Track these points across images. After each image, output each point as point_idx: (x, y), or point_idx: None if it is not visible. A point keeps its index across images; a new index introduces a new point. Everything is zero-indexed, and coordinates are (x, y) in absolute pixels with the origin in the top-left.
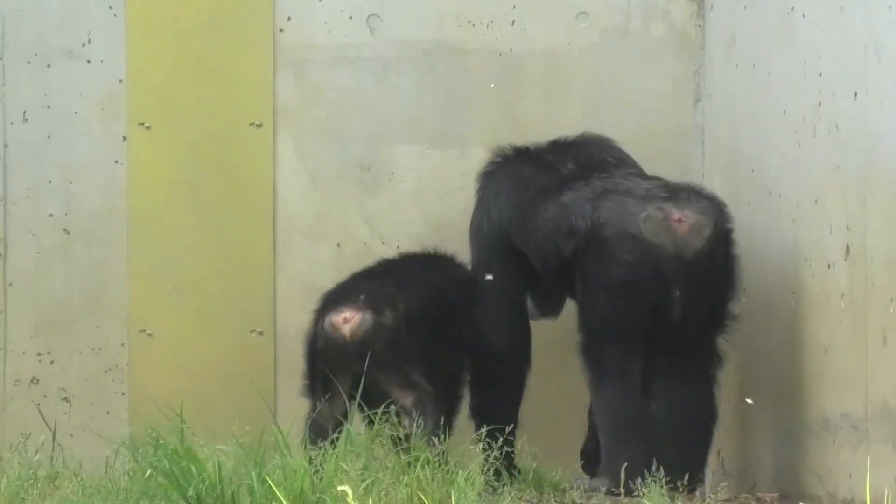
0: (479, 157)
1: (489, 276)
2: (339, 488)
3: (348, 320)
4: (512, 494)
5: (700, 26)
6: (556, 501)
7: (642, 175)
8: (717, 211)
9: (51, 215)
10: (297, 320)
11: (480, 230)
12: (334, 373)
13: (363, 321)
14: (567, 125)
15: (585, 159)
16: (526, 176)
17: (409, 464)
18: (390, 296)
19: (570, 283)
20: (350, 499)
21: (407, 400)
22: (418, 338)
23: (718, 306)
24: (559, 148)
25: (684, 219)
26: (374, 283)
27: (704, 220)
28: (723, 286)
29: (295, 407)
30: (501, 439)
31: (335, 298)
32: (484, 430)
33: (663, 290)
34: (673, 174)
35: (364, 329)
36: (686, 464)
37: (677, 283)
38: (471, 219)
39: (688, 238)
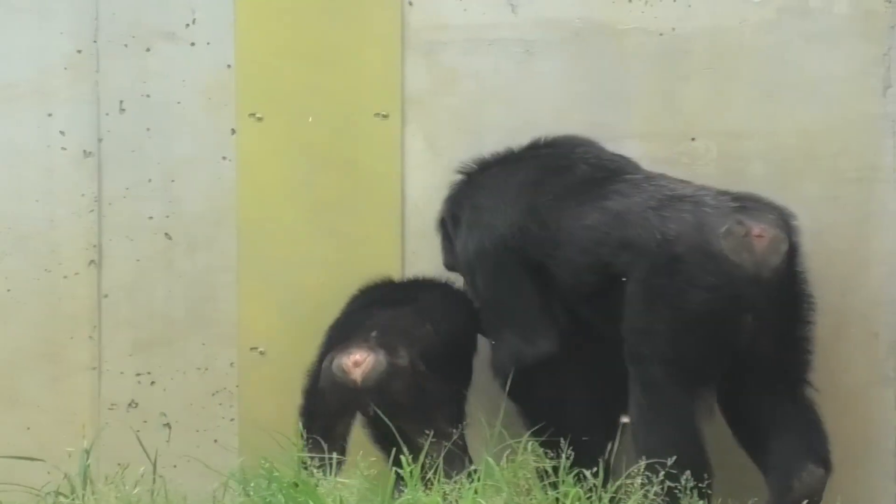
0: (636, 152)
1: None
2: None
3: (359, 363)
4: None
5: (890, 2)
6: None
7: (681, 180)
8: (787, 223)
9: (150, 218)
10: None
11: (482, 252)
12: (340, 416)
13: (377, 364)
14: (736, 115)
15: (594, 159)
16: (531, 180)
17: (556, 500)
18: (406, 330)
19: (605, 303)
20: None
21: (432, 449)
22: (439, 375)
23: (792, 330)
24: (551, 148)
25: (763, 233)
26: (387, 313)
27: (781, 234)
28: (796, 307)
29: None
30: (662, 473)
31: (343, 334)
32: (643, 462)
33: (739, 317)
34: (858, 173)
35: (378, 372)
36: None
37: (752, 308)
38: (459, 249)
39: (766, 255)
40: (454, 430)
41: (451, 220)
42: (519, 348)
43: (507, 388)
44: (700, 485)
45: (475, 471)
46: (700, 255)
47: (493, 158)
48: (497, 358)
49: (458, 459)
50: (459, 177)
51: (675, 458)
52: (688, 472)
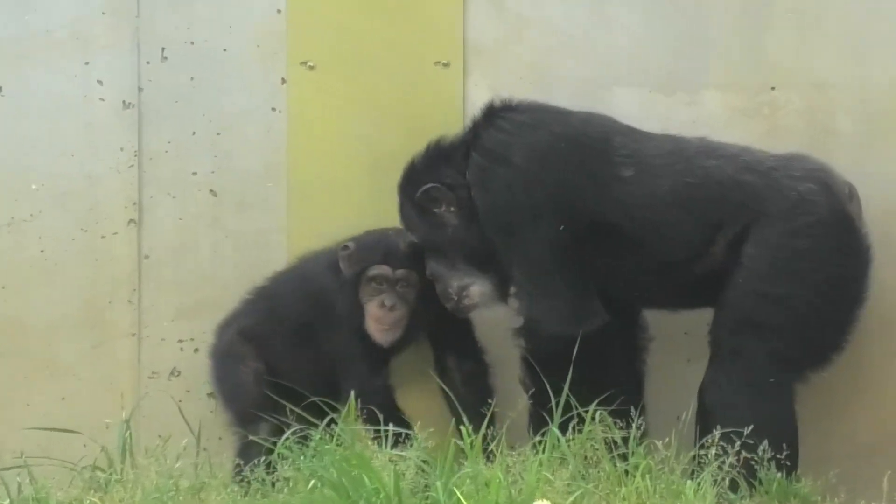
0: (713, 103)
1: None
2: (538, 502)
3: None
4: None
5: None
6: None
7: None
8: None
9: (195, 174)
10: None
11: (532, 211)
12: None
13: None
14: (822, 65)
15: (622, 124)
16: (595, 135)
17: (626, 472)
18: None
19: (689, 271)
20: None
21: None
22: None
23: None
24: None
25: (854, 194)
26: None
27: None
28: None
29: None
30: (739, 442)
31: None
32: (717, 431)
33: (865, 284)
34: None
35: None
36: None
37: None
38: (486, 208)
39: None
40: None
41: (479, 170)
42: (572, 319)
43: (542, 360)
44: (789, 462)
45: (540, 442)
46: (839, 218)
47: (529, 105)
48: (542, 328)
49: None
50: (483, 125)
51: (771, 436)
52: (783, 451)
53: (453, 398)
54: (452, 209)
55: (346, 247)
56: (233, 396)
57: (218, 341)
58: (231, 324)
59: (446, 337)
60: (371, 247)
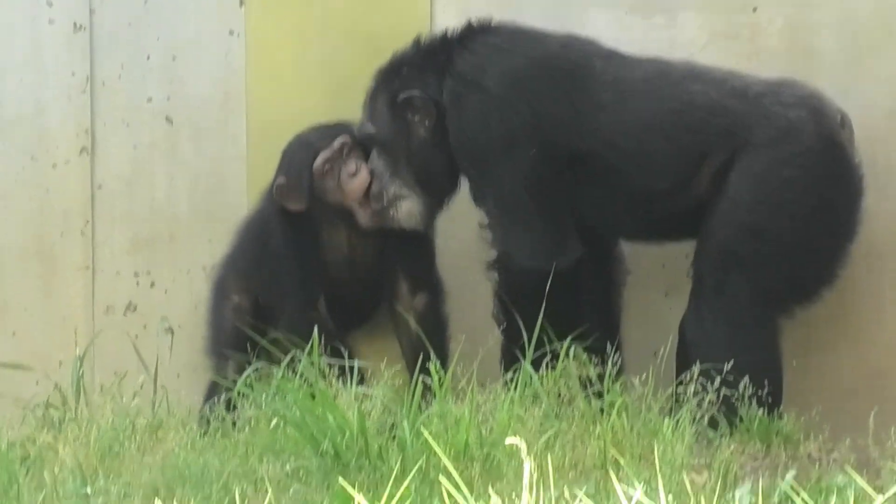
0: (691, 25)
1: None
2: (511, 440)
3: None
4: (732, 448)
5: None
6: (786, 456)
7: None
8: None
9: (149, 101)
10: (461, 231)
11: (507, 139)
12: None
13: None
14: None
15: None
16: (572, 59)
17: (601, 410)
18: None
19: (672, 202)
20: (525, 453)
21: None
22: None
23: None
24: (548, 34)
25: (846, 122)
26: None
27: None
28: None
29: (456, 337)
30: (719, 379)
31: None
32: (697, 367)
33: (856, 213)
34: None
35: None
36: None
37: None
38: (457, 130)
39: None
40: None
41: (452, 95)
42: (547, 252)
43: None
44: (772, 399)
45: (512, 379)
46: (830, 147)
47: (507, 27)
48: (515, 262)
49: None
50: (458, 48)
51: (753, 373)
52: (765, 387)
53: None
54: (426, 122)
55: (278, 185)
56: (209, 331)
57: (214, 275)
58: (228, 257)
59: (401, 261)
60: (304, 148)
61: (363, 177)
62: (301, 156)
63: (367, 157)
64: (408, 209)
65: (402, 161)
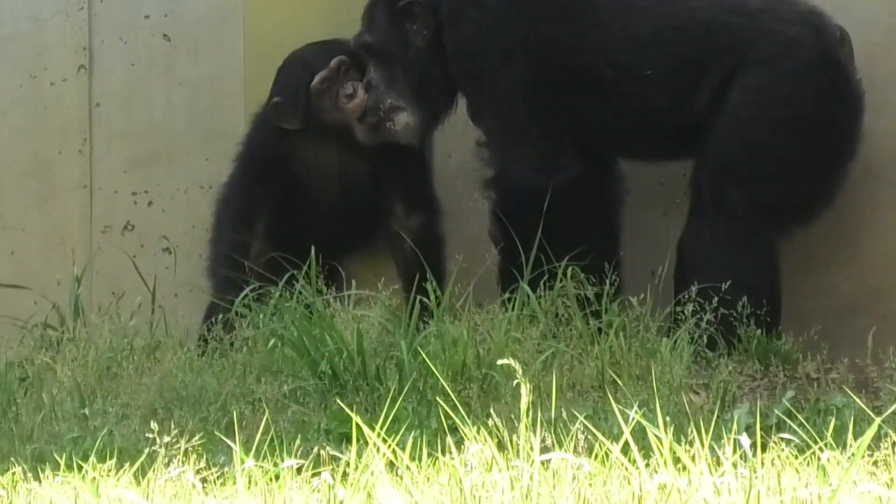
0: None
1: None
2: (503, 361)
3: None
4: (730, 368)
5: None
6: (784, 376)
7: None
8: None
9: (147, 17)
10: (459, 149)
11: (503, 50)
12: None
13: None
14: None
15: None
16: None
17: (599, 330)
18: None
19: (671, 119)
20: (522, 376)
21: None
22: None
23: None
24: None
25: (846, 38)
26: None
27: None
28: None
29: (452, 257)
30: (716, 299)
31: None
32: (695, 287)
33: (857, 134)
34: None
35: None
36: None
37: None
38: (454, 41)
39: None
40: None
41: (451, 11)
42: (544, 169)
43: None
44: (770, 319)
45: (510, 299)
46: (829, 63)
47: None
48: (512, 179)
49: None
50: None
51: (751, 292)
52: (763, 307)
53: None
54: (425, 32)
55: (273, 104)
56: (209, 251)
57: (217, 194)
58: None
59: (396, 180)
60: (300, 67)
61: (360, 97)
62: (297, 75)
63: (363, 77)
64: (404, 121)
65: (399, 72)
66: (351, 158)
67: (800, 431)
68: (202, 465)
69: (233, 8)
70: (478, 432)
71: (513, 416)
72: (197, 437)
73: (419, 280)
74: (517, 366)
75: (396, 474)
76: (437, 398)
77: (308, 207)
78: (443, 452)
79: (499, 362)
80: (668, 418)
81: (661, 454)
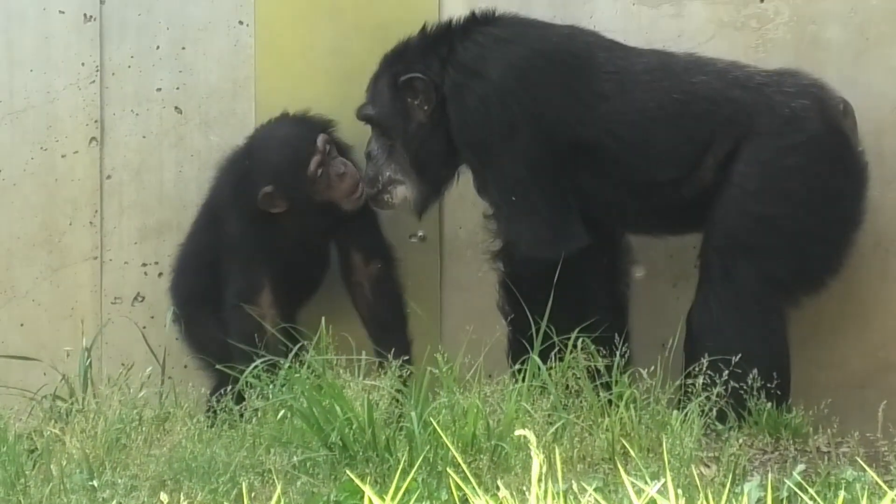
0: (699, 16)
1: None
2: (518, 432)
3: None
4: (741, 441)
5: None
6: (795, 449)
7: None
8: None
9: (159, 90)
10: (469, 221)
11: (511, 126)
12: None
13: None
14: None
15: (607, 40)
16: (575, 49)
17: (609, 402)
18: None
19: (676, 193)
20: (534, 447)
21: None
22: None
23: None
24: (549, 24)
25: (849, 110)
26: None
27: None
28: None
29: (462, 329)
30: (727, 371)
31: None
32: (705, 359)
33: (861, 203)
34: None
35: None
36: None
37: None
38: (459, 119)
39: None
40: None
41: (454, 85)
42: (552, 241)
43: (521, 285)
44: (780, 391)
45: (520, 370)
46: (833, 135)
47: (509, 18)
48: (520, 251)
49: None
50: (460, 38)
51: (761, 364)
52: (773, 379)
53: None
54: (426, 107)
55: (265, 193)
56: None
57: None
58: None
59: (350, 235)
60: (286, 151)
61: (352, 175)
62: (288, 160)
63: (342, 151)
64: (402, 195)
65: (400, 144)
66: (313, 219)
67: None
68: None
69: (244, 80)
70: None
71: (523, 488)
72: None
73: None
74: (531, 437)
75: None
76: (448, 469)
77: (297, 273)
78: None
79: (514, 433)
80: (679, 491)
81: None
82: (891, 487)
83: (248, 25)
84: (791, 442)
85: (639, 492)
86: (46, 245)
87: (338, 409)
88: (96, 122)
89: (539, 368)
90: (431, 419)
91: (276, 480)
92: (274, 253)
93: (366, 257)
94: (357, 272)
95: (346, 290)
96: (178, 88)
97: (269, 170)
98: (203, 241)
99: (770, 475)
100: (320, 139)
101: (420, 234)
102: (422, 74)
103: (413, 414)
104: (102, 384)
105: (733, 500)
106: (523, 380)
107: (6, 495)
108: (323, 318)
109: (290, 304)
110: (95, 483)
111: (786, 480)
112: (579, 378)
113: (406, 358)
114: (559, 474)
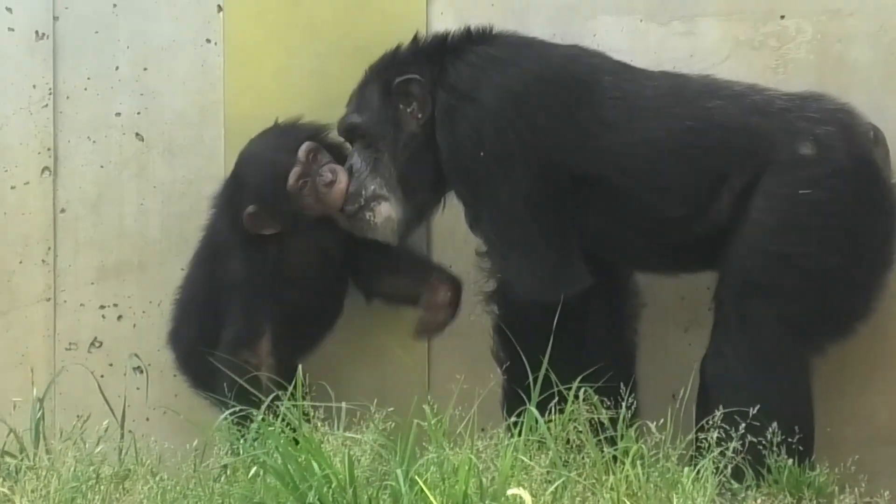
0: (713, 34)
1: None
2: (513, 491)
3: None
4: (759, 501)
5: None
6: None
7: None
8: None
9: (118, 115)
10: (460, 259)
11: (507, 156)
12: None
13: None
14: None
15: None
16: (574, 79)
17: (614, 458)
18: None
19: (689, 230)
20: None
21: None
22: None
23: None
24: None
25: (880, 138)
26: None
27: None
28: None
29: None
30: (743, 424)
31: None
32: (720, 411)
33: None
34: None
35: None
36: None
37: None
38: (452, 145)
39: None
40: None
41: (444, 108)
42: (551, 281)
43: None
44: (803, 447)
45: (516, 423)
46: (862, 166)
47: (506, 37)
48: (516, 293)
49: None
50: (451, 57)
51: (782, 417)
52: (795, 434)
53: None
54: (420, 116)
55: (249, 214)
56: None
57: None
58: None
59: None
60: (267, 167)
61: (342, 181)
62: (268, 176)
63: (335, 157)
64: (385, 213)
65: (387, 156)
66: (331, 240)
67: None
68: None
69: (212, 105)
70: None
71: None
72: None
73: None
74: (527, 496)
75: None
76: None
77: (304, 315)
78: None
79: (508, 492)
80: None
81: None
82: None
83: (216, 44)
84: (814, 502)
85: None
86: None
87: (315, 465)
88: (49, 150)
89: (537, 421)
90: (418, 477)
91: None
92: (279, 290)
93: (417, 282)
94: (425, 303)
95: (417, 332)
96: (139, 113)
97: (250, 188)
98: (204, 282)
99: None
100: (303, 148)
101: None
102: (419, 77)
103: (399, 471)
104: (55, 438)
105: None
106: (520, 434)
107: None
108: (300, 366)
109: (295, 350)
110: None
111: None
112: (581, 432)
113: None
114: None
